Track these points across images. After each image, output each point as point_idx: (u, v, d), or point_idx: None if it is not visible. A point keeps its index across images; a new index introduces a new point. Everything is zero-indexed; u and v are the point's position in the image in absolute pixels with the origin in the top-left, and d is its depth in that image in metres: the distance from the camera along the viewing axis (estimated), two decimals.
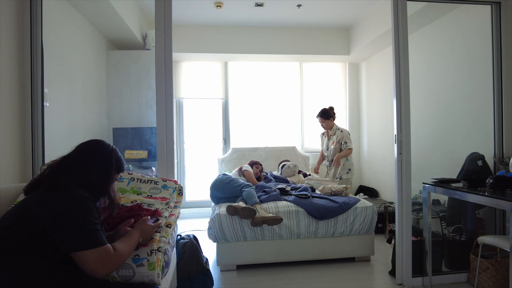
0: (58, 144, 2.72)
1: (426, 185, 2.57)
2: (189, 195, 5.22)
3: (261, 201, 3.08)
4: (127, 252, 1.30)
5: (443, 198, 3.00)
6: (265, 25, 4.81)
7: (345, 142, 3.89)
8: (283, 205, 3.03)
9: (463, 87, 3.13)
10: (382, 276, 2.83)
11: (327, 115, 3.98)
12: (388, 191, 4.64)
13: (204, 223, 3.93)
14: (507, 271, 2.23)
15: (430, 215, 2.57)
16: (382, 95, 4.79)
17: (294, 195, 3.25)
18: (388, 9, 2.66)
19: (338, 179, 3.85)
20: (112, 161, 1.42)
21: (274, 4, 4.11)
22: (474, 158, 2.71)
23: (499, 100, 2.76)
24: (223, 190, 3.30)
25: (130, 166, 3.68)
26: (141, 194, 1.93)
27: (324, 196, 3.26)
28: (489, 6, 2.80)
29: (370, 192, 5.00)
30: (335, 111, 4.08)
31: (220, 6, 4.08)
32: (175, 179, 2.21)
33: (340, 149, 3.90)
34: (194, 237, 2.61)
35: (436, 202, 3.07)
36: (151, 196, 1.93)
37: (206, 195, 3.69)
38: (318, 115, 4.03)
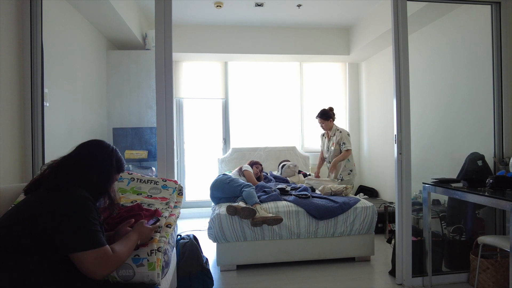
0: (58, 144, 2.72)
1: (426, 185, 2.57)
2: (189, 195, 5.22)
3: (261, 201, 3.08)
4: (125, 254, 1.30)
5: (443, 198, 3.00)
6: (265, 25, 4.81)
7: (344, 143, 3.83)
8: (283, 205, 3.03)
9: (463, 87, 3.13)
10: (382, 276, 2.83)
11: (326, 115, 3.93)
12: (388, 191, 4.64)
13: (204, 223, 3.93)
14: (507, 271, 2.23)
15: (430, 215, 2.57)
16: (382, 95, 4.78)
17: (294, 195, 3.25)
18: (388, 9, 2.66)
19: (340, 180, 3.82)
20: (112, 161, 1.42)
21: (274, 4, 4.11)
22: (474, 158, 2.71)
23: (499, 100, 2.76)
24: (223, 190, 3.30)
25: (130, 166, 3.68)
26: (141, 194, 1.93)
27: (324, 196, 3.26)
28: (489, 6, 2.81)
29: (370, 192, 5.00)
30: (334, 111, 4.03)
31: (220, 6, 4.08)
32: (175, 179, 2.21)
33: (340, 150, 3.87)
34: (194, 237, 2.61)
35: (436, 202, 3.07)
36: (151, 196, 1.93)
37: (206, 195, 3.69)
38: (317, 116, 3.98)
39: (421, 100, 3.23)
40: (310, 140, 5.41)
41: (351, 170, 3.87)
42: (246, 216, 2.85)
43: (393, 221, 3.21)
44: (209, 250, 3.33)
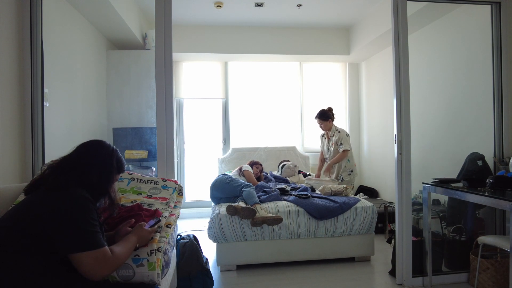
0: (58, 144, 2.72)
1: (426, 185, 2.57)
2: (189, 195, 5.22)
3: (261, 201, 3.08)
4: (124, 256, 1.30)
5: (443, 198, 3.00)
6: (265, 25, 4.81)
7: (341, 144, 3.80)
8: (283, 205, 3.03)
9: (463, 87, 3.13)
10: (382, 276, 2.83)
11: (325, 116, 3.90)
12: (388, 191, 4.64)
13: (204, 223, 3.93)
14: (507, 271, 2.23)
15: (430, 215, 2.57)
16: (382, 95, 4.78)
17: (294, 195, 3.25)
18: (388, 9, 2.66)
19: (340, 181, 3.80)
20: (112, 162, 1.41)
21: (274, 4, 4.11)
22: (474, 158, 2.71)
23: (499, 100, 2.76)
24: (223, 190, 3.30)
25: (130, 166, 3.68)
26: (141, 194, 1.93)
27: (324, 196, 3.26)
28: (489, 6, 2.80)
29: (370, 192, 5.00)
30: (334, 111, 4.00)
31: (220, 6, 4.08)
32: (175, 179, 2.21)
33: (338, 151, 3.86)
34: (194, 237, 2.61)
35: (436, 202, 3.07)
36: (151, 196, 1.93)
37: (206, 195, 3.69)
38: (316, 117, 3.95)
39: (421, 100, 3.23)
40: (310, 140, 5.41)
41: (351, 171, 3.85)
42: (246, 216, 2.85)
43: (393, 221, 3.21)
44: (209, 250, 3.33)
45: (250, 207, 2.91)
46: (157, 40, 2.35)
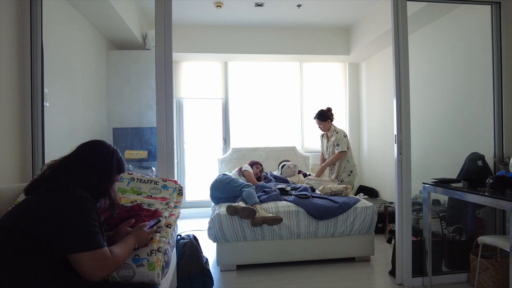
0: (58, 144, 2.72)
1: (426, 185, 2.57)
2: (189, 195, 5.22)
3: (261, 201, 3.08)
4: (123, 257, 1.30)
5: (443, 198, 3.00)
6: (265, 25, 4.81)
7: (337, 145, 3.78)
8: (283, 205, 3.03)
9: (463, 87, 3.13)
10: (382, 276, 2.83)
11: (324, 116, 3.89)
12: (388, 191, 4.64)
13: (204, 223, 3.93)
14: (507, 271, 2.23)
15: (430, 215, 2.57)
16: (382, 95, 4.78)
17: (294, 195, 3.25)
18: (388, 9, 2.66)
19: (339, 182, 3.79)
20: (113, 162, 1.41)
21: (274, 4, 4.11)
22: (474, 158, 2.71)
23: (499, 100, 2.76)
24: (223, 190, 3.30)
25: (130, 166, 3.68)
26: (141, 194, 1.93)
27: (324, 196, 3.26)
28: (489, 6, 2.80)
29: (370, 192, 5.00)
30: (333, 112, 3.99)
31: (220, 6, 4.08)
32: (175, 179, 2.21)
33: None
34: (194, 237, 2.61)
35: (436, 202, 3.07)
36: (151, 196, 1.93)
37: (206, 195, 3.69)
38: (315, 117, 3.94)
39: (421, 100, 3.23)
40: (310, 140, 5.41)
41: (351, 171, 3.84)
42: (246, 216, 2.85)
43: (393, 221, 3.21)
44: (209, 250, 3.33)
45: (250, 207, 2.91)
46: (157, 40, 2.35)
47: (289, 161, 4.54)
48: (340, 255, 3.07)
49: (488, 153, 2.77)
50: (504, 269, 2.33)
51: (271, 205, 3.04)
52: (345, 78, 5.56)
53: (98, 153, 1.40)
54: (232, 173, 3.68)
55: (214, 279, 2.59)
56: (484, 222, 2.83)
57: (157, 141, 2.34)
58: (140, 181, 2.01)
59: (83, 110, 3.44)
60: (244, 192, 3.10)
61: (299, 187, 3.54)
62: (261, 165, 4.03)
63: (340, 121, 5.43)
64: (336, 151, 3.79)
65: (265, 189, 3.36)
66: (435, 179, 2.55)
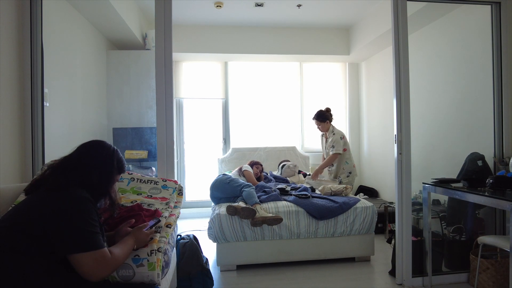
0: (58, 144, 2.72)
1: (426, 185, 2.57)
2: (189, 195, 5.21)
3: (261, 201, 3.08)
4: (122, 257, 1.30)
5: (443, 198, 3.00)
6: (265, 25, 4.81)
7: (332, 146, 3.76)
8: (283, 205, 3.03)
9: (463, 87, 3.13)
10: (382, 276, 2.83)
11: (323, 117, 3.86)
12: (388, 191, 4.64)
13: (204, 223, 3.93)
14: (507, 271, 2.23)
15: (430, 215, 2.57)
16: (382, 95, 4.78)
17: (294, 195, 3.25)
18: (388, 9, 2.66)
19: (339, 183, 3.78)
20: (113, 162, 1.41)
21: (274, 4, 4.11)
22: (474, 158, 2.71)
23: (499, 100, 2.77)
24: (223, 190, 3.30)
25: (130, 166, 3.68)
26: (141, 194, 1.93)
27: (324, 196, 3.26)
28: (489, 6, 2.80)
29: (370, 192, 5.00)
30: (332, 112, 3.96)
31: (220, 6, 4.08)
32: (175, 179, 2.21)
33: None
34: (194, 237, 2.61)
35: (436, 202, 3.07)
36: (151, 196, 1.93)
37: (206, 195, 3.69)
38: (313, 118, 3.92)
39: (421, 100, 3.23)
40: (310, 140, 5.40)
41: (350, 172, 3.81)
42: (246, 216, 2.85)
43: (393, 221, 3.22)
44: (209, 250, 3.33)
45: (250, 207, 2.91)
46: (157, 40, 2.35)
47: (289, 161, 4.54)
48: (340, 255, 3.07)
49: (488, 153, 2.77)
50: (504, 269, 2.33)
51: (271, 205, 3.04)
52: (345, 78, 5.56)
53: (99, 153, 1.40)
54: (232, 173, 3.68)
55: (214, 279, 2.59)
56: (484, 222, 2.83)
57: (157, 141, 2.34)
58: (140, 181, 2.01)
59: (83, 110, 3.44)
60: (244, 192, 3.10)
61: (299, 187, 3.54)
62: (261, 165, 4.03)
63: (340, 121, 5.44)
64: (331, 153, 3.78)
65: (265, 189, 3.36)
66: (435, 179, 2.56)
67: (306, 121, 5.39)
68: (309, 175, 4.35)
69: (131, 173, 2.05)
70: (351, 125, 5.52)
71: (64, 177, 1.28)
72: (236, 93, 5.31)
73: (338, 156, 3.78)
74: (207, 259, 2.59)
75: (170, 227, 1.72)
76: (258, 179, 3.87)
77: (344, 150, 3.81)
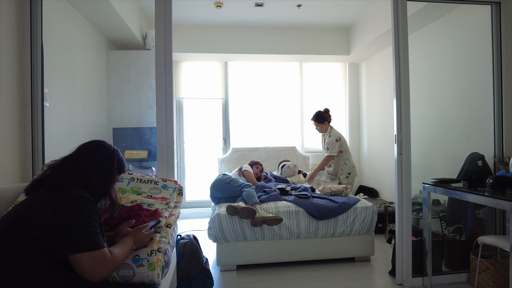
0: (58, 144, 2.72)
1: (426, 185, 2.57)
2: (189, 195, 5.21)
3: (261, 201, 3.08)
4: (122, 258, 1.30)
5: (443, 198, 3.00)
6: (265, 25, 4.81)
7: (327, 149, 3.76)
8: (283, 205, 3.03)
9: (463, 87, 3.13)
10: (382, 276, 2.83)
11: (321, 118, 3.85)
12: (388, 191, 4.64)
13: (204, 223, 3.93)
14: (507, 271, 2.23)
15: (430, 215, 2.57)
16: (382, 95, 4.79)
17: (294, 195, 3.25)
18: (388, 9, 2.66)
19: (338, 183, 3.79)
20: (113, 162, 1.41)
21: (274, 4, 4.11)
22: (474, 158, 2.71)
23: (499, 100, 2.77)
24: (223, 190, 3.30)
25: (130, 166, 3.68)
26: (141, 194, 1.93)
27: (324, 196, 3.26)
28: (489, 6, 2.81)
29: (370, 192, 5.00)
30: (331, 113, 3.95)
31: (220, 6, 4.08)
32: (175, 179, 2.21)
33: None
34: (194, 237, 2.61)
35: (436, 202, 3.07)
36: (151, 196, 1.93)
37: (206, 195, 3.69)
38: (312, 119, 3.91)
39: (421, 100, 3.23)
40: (310, 140, 5.40)
41: (349, 173, 3.80)
42: (246, 216, 2.85)
43: (393, 221, 3.22)
44: (209, 250, 3.33)
45: (250, 207, 2.91)
46: (157, 40, 2.35)
47: (289, 161, 4.54)
48: (340, 255, 3.07)
49: (488, 153, 2.77)
50: (504, 269, 2.33)
51: (271, 205, 3.04)
52: (345, 78, 5.56)
53: (99, 153, 1.40)
54: (232, 173, 3.68)
55: (214, 279, 2.59)
56: (484, 222, 2.83)
57: (157, 141, 2.34)
58: (140, 181, 2.01)
59: (83, 110, 3.44)
60: (244, 192, 3.10)
61: (299, 187, 3.54)
62: (261, 165, 4.03)
63: (340, 121, 5.44)
64: (325, 155, 3.80)
65: (265, 189, 3.36)
66: (435, 179, 2.56)
67: (306, 121, 5.39)
68: None
69: (131, 173, 2.05)
70: (351, 125, 5.52)
71: (64, 177, 1.28)
72: (236, 93, 5.31)
73: (332, 158, 3.79)
74: (207, 259, 2.59)
75: (170, 227, 1.72)
76: (258, 179, 3.87)
77: (341, 151, 3.80)
